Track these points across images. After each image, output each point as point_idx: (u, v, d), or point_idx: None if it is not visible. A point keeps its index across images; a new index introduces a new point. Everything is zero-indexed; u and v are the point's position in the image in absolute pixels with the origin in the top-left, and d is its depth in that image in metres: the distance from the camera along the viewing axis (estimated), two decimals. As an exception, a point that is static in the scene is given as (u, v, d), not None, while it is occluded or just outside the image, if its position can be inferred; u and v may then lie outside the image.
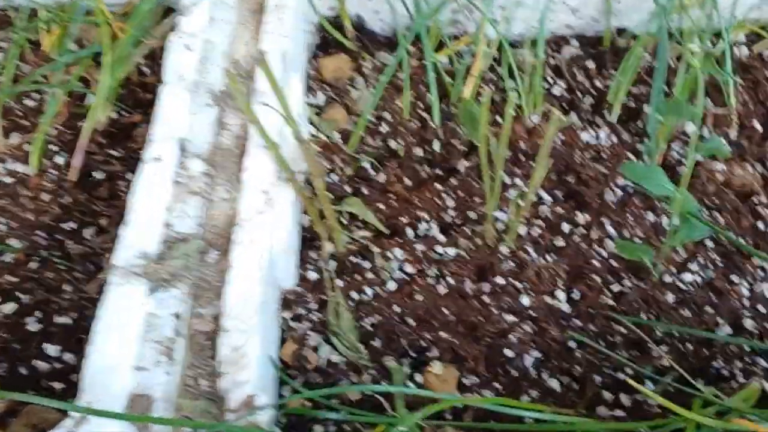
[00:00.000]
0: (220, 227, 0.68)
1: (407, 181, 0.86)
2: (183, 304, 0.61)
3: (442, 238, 0.81)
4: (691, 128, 0.92)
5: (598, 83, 0.97)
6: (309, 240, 0.80)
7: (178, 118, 0.70)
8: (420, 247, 0.80)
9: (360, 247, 0.80)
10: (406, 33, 0.90)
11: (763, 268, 0.81)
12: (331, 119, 0.87)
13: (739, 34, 0.98)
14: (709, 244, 0.82)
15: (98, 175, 0.83)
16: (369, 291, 0.77)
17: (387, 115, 0.91)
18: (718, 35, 0.94)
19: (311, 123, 0.87)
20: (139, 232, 0.63)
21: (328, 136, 0.86)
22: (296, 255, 0.78)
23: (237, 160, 0.72)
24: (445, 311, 0.76)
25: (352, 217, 0.82)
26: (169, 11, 0.90)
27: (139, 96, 0.89)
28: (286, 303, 0.75)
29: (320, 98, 0.91)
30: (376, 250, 0.79)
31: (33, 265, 0.76)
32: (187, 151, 0.70)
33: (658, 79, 0.85)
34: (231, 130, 0.73)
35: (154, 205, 0.65)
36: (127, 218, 0.65)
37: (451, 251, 0.80)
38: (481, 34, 0.91)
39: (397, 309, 0.76)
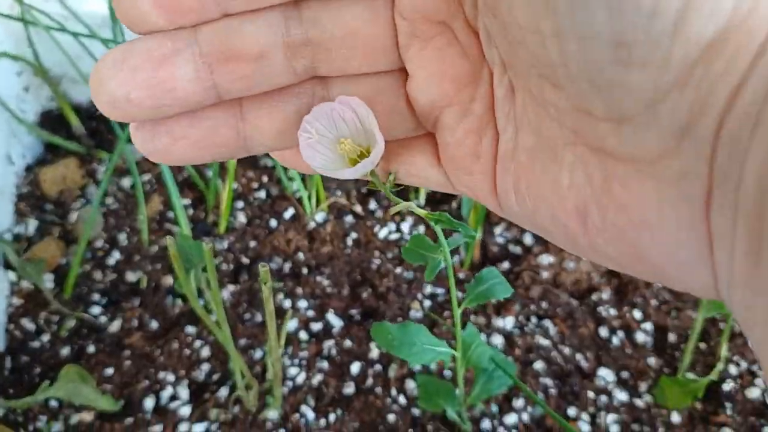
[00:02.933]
0: None
1: (153, 325, 0.66)
2: None
3: (187, 411, 0.61)
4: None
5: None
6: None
7: None
8: (157, 429, 0.60)
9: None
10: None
11: (606, 391, 0.63)
12: (38, 258, 0.66)
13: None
14: (539, 366, 0.64)
15: None
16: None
17: (122, 237, 0.70)
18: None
19: (10, 267, 0.66)
20: None
21: (35, 283, 0.65)
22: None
23: None
24: None
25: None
26: None
27: None
28: None
29: (32, 227, 0.70)
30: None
31: None
32: None
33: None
34: None
35: None
36: None
37: (199, 429, 0.60)
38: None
39: None
